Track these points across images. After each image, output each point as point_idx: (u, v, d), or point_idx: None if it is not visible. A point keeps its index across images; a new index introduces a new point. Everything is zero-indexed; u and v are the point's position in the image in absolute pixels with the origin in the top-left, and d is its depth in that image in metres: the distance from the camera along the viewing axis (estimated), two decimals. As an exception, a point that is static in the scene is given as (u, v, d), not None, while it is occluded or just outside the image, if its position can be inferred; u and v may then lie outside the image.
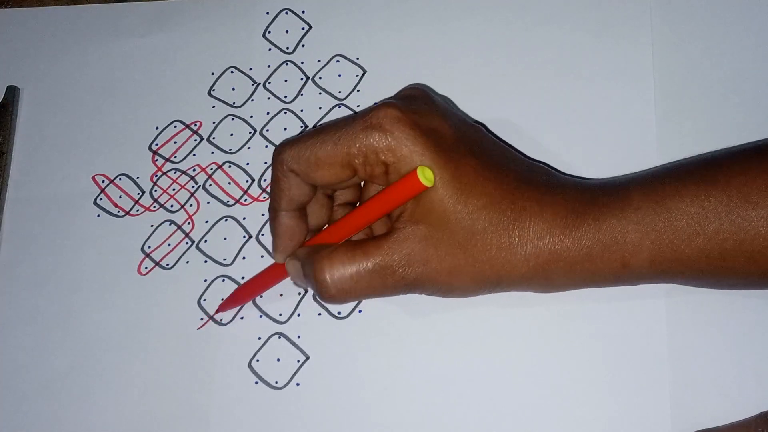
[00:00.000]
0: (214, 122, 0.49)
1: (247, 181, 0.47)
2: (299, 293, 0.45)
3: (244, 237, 0.46)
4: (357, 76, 0.48)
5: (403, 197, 0.37)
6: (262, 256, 0.46)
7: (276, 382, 0.43)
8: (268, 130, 0.48)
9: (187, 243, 0.47)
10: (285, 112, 0.49)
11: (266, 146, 0.48)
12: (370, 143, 0.37)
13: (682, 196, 0.37)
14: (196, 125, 0.49)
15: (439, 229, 0.37)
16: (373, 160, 0.37)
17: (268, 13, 0.51)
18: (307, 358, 0.43)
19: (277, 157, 0.40)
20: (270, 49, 0.50)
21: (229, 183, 0.48)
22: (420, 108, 0.38)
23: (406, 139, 0.37)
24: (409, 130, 0.37)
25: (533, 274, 0.37)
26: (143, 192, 0.48)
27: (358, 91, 0.48)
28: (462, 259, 0.37)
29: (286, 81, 0.49)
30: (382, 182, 0.39)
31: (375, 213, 0.38)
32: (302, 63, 0.49)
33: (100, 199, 0.48)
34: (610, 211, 0.37)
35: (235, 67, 0.50)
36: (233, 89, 0.49)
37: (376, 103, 0.39)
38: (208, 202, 0.47)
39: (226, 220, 0.47)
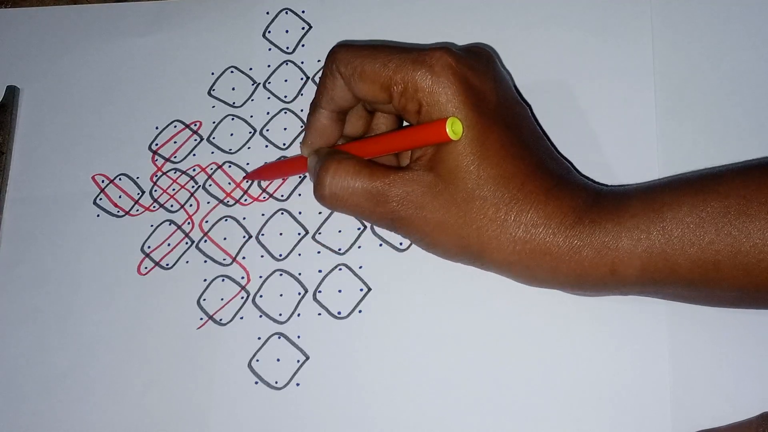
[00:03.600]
0: (214, 122, 0.49)
1: (247, 181, 0.47)
2: (299, 293, 0.45)
3: (244, 237, 0.46)
4: (357, 76, 0.48)
5: (425, 140, 0.38)
6: (262, 256, 0.46)
7: (276, 382, 0.43)
8: (268, 130, 0.48)
9: (186, 243, 0.47)
10: (285, 112, 0.49)
11: (266, 146, 0.48)
12: (413, 77, 0.38)
13: (680, 204, 0.36)
14: (196, 125, 0.49)
15: (444, 181, 0.38)
16: (410, 94, 0.38)
17: (268, 13, 0.51)
18: (307, 358, 0.43)
19: (331, 55, 0.41)
20: (270, 49, 0.50)
21: (229, 183, 0.48)
22: (476, 65, 0.39)
23: (448, 88, 0.37)
24: (455, 80, 0.37)
25: (516, 258, 0.38)
26: (143, 192, 0.48)
27: (358, 90, 0.48)
28: (453, 217, 0.38)
29: (286, 81, 0.49)
30: (412, 119, 0.39)
31: (396, 145, 0.40)
32: (302, 63, 0.49)
33: (100, 199, 0.48)
34: (607, 216, 0.37)
35: (235, 67, 0.50)
36: (233, 89, 0.49)
37: (437, 44, 0.39)
38: (208, 202, 0.47)
39: (226, 220, 0.47)
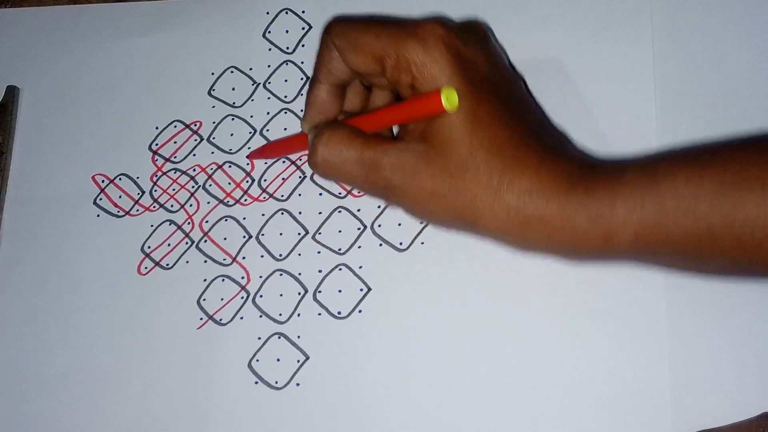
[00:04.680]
0: (214, 122, 0.49)
1: (247, 181, 0.47)
2: (299, 293, 0.45)
3: (244, 237, 0.46)
4: (357, 76, 0.48)
5: (421, 111, 0.38)
6: (262, 256, 0.46)
7: (276, 382, 0.43)
8: (268, 130, 0.48)
9: (186, 243, 0.47)
10: (285, 112, 0.49)
11: (266, 146, 0.48)
12: (405, 49, 0.38)
13: (675, 175, 0.36)
14: (196, 125, 0.49)
15: (438, 150, 0.38)
16: (403, 66, 0.38)
17: (268, 13, 0.51)
18: (307, 358, 0.43)
19: (326, 29, 0.41)
20: (270, 49, 0.50)
21: (229, 183, 0.48)
22: (468, 38, 0.39)
23: (440, 59, 0.37)
24: (446, 51, 0.37)
25: (510, 225, 0.37)
26: (143, 192, 0.48)
27: (358, 90, 0.48)
28: (447, 185, 0.37)
29: (286, 81, 0.49)
30: (406, 92, 0.39)
31: (393, 118, 0.40)
32: (302, 63, 0.49)
33: (100, 199, 0.48)
34: (602, 184, 0.37)
35: (235, 67, 0.50)
36: (233, 89, 0.49)
37: (430, 17, 0.39)
38: (208, 202, 0.47)
39: (226, 220, 0.47)
